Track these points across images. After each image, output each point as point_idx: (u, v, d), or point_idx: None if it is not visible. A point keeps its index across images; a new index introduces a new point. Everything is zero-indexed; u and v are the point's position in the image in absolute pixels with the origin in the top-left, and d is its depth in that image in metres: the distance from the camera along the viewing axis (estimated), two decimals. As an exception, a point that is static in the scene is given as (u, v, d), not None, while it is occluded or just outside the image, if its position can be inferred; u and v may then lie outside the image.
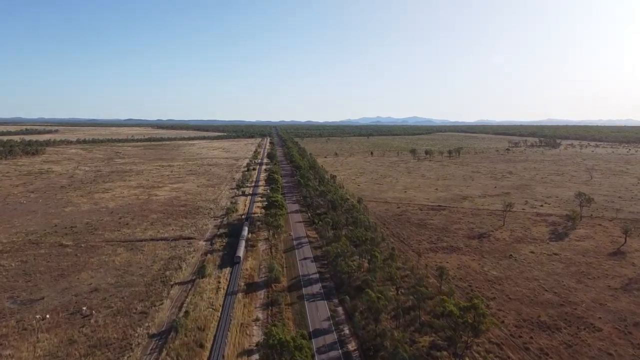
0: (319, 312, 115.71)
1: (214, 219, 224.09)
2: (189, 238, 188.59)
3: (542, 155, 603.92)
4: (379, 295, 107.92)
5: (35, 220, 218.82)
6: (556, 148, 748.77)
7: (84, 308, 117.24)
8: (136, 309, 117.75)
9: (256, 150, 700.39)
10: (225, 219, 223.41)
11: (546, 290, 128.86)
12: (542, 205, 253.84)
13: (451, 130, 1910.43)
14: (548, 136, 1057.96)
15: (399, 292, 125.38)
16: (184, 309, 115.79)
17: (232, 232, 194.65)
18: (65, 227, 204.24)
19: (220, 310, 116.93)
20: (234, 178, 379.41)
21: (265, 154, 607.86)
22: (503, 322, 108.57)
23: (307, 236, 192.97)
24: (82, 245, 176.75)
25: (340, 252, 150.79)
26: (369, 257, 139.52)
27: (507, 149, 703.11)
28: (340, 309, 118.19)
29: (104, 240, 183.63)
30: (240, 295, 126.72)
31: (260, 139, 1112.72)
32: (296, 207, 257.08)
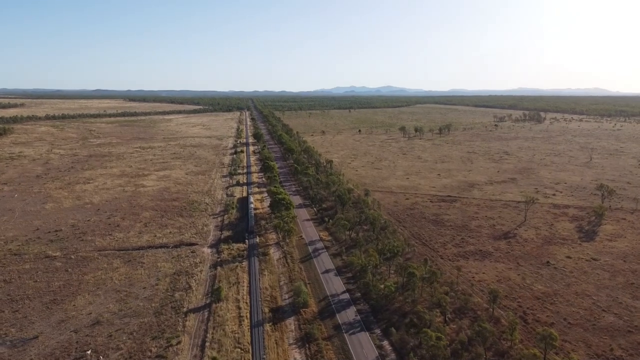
0: (364, 350, 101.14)
1: (213, 217, 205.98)
2: (191, 244, 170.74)
3: (530, 132, 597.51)
4: (438, 334, 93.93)
5: (14, 222, 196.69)
6: (541, 123, 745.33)
7: (88, 352, 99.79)
8: (150, 350, 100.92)
9: (238, 127, 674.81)
10: (225, 216, 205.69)
11: (604, 311, 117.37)
12: (554, 194, 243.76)
13: (428, 101, 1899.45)
14: (529, 109, 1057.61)
15: (447, 319, 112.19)
16: (207, 351, 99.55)
17: (236, 236, 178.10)
18: (49, 232, 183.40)
19: (250, 350, 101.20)
20: (222, 163, 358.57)
21: (250, 132, 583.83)
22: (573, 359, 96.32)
23: (321, 239, 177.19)
24: (72, 256, 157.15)
25: (367, 264, 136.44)
26: (407, 276, 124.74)
27: (494, 125, 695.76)
28: (386, 343, 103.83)
29: (95, 249, 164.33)
30: (267, 326, 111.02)
31: (239, 113, 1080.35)
32: (298, 199, 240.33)
